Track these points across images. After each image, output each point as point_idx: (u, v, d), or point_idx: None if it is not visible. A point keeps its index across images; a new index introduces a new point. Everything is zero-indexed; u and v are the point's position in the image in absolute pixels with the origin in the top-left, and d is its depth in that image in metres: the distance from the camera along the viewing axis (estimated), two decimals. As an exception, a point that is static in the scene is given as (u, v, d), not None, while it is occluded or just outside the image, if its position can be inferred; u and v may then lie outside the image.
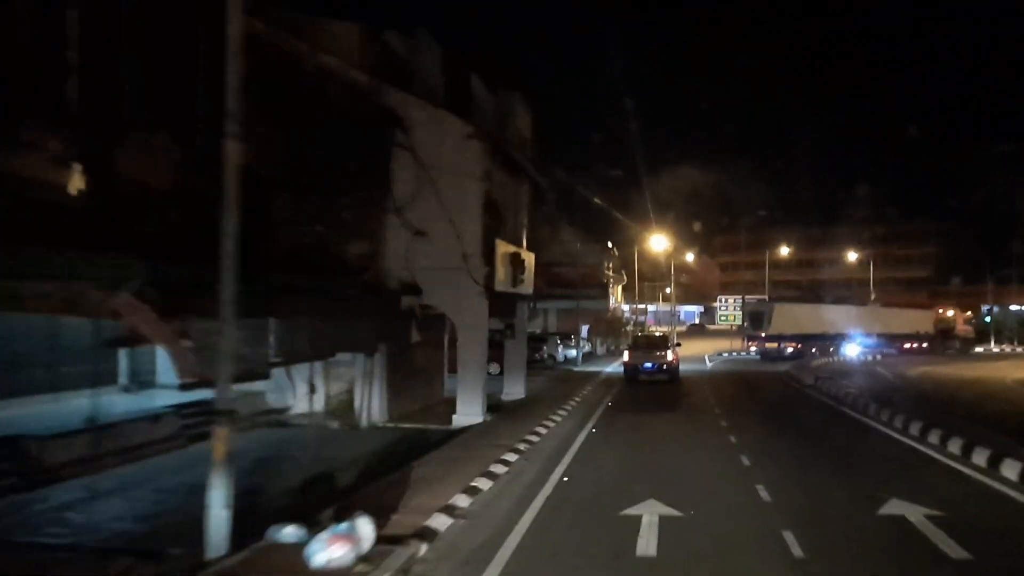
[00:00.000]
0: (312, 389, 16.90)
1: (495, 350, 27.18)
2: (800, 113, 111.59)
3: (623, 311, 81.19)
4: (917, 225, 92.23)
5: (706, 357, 47.78)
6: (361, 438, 15.77)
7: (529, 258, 20.80)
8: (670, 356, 27.06)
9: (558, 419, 18.03)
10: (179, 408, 14.37)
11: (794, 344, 43.88)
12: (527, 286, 20.17)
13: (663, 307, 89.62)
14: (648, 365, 26.95)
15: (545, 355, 35.58)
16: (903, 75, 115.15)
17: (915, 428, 16.22)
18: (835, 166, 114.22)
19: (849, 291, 73.62)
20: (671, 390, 26.50)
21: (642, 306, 77.58)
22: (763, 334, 43.83)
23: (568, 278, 48.05)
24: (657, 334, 36.21)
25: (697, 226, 75.81)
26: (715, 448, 14.99)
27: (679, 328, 79.03)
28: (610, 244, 49.50)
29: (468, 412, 16.96)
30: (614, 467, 12.98)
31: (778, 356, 42.77)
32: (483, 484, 10.98)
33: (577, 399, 22.37)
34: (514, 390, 22.15)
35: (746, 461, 13.31)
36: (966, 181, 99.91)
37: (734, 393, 26.43)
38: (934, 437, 15.09)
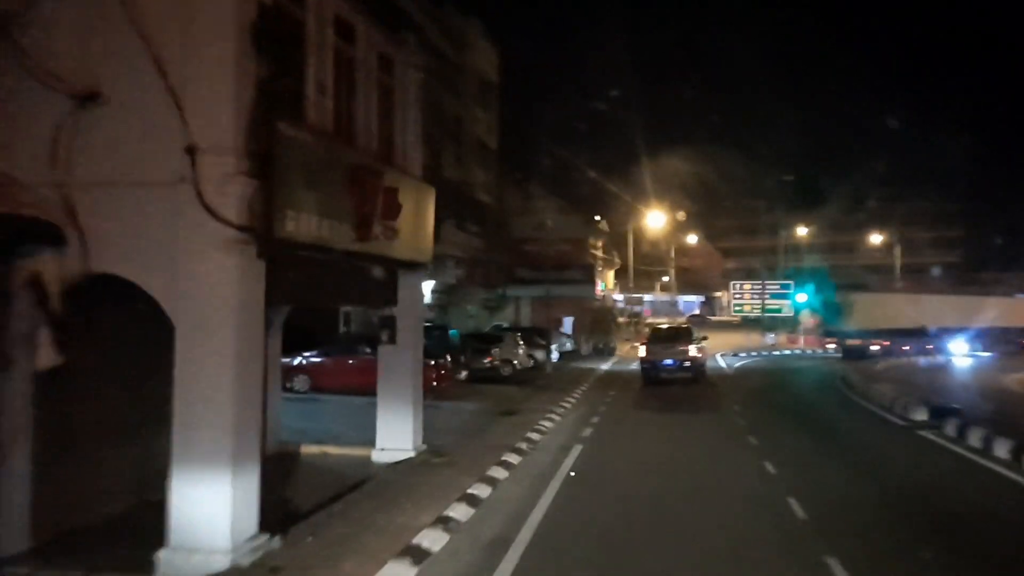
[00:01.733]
0: None
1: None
2: (816, 79, 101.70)
3: (615, 301, 71.88)
4: (944, 206, 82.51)
5: (719, 357, 38.41)
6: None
7: (419, 195, 11.23)
8: (693, 351, 23.03)
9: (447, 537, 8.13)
10: None
11: (882, 342, 34.07)
12: (410, 244, 10.65)
13: (661, 296, 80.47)
14: (668, 362, 23.12)
15: (498, 361, 25.90)
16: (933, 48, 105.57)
17: None
18: (853, 143, 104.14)
19: (876, 277, 64.16)
20: (695, 435, 16.01)
21: (637, 295, 68.16)
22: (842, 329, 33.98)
23: (544, 257, 38.53)
24: (679, 326, 29.92)
25: (696, 207, 66.48)
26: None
27: (679, 320, 69.76)
28: (599, 218, 39.99)
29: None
30: None
31: (862, 355, 32.97)
32: None
33: (517, 455, 12.43)
34: (396, 440, 12.11)
35: None
36: (993, 161, 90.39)
37: (799, 448, 14.05)
38: None
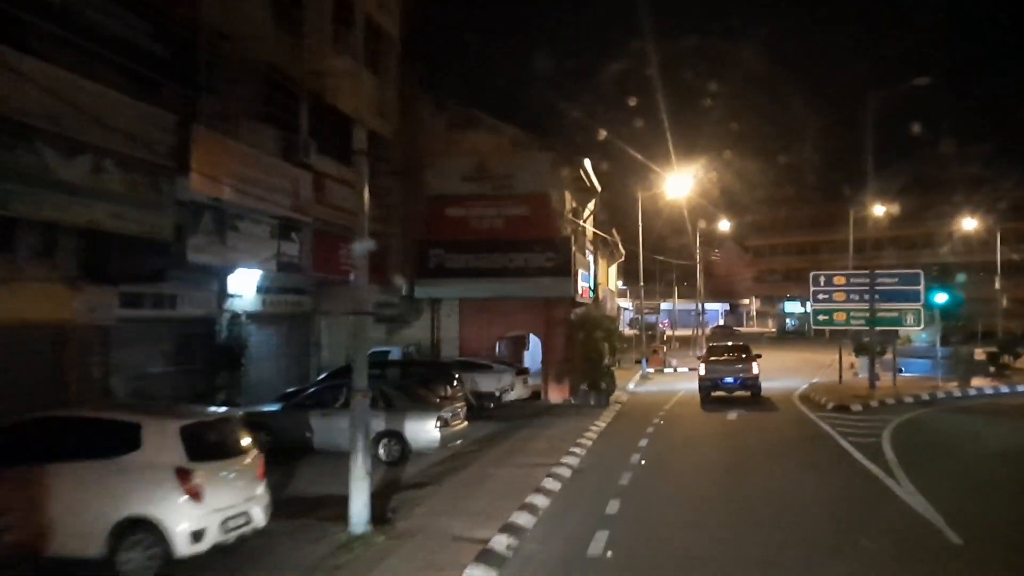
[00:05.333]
0: None
1: None
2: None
3: (621, 308, 54.55)
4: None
5: (799, 401, 21.40)
6: None
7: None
8: (755, 369, 21.13)
9: None
10: None
11: None
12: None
13: (679, 305, 63.34)
14: (729, 380, 21.29)
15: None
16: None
17: None
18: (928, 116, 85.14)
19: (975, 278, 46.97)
20: None
21: (651, 301, 51.00)
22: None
23: (485, 230, 21.77)
24: (737, 343, 25.77)
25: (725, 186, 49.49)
26: None
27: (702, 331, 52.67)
28: (588, 166, 22.88)
29: None
30: None
31: None
32: None
33: None
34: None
35: None
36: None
37: None
38: None
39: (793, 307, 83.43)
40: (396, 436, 12.51)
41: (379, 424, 12.64)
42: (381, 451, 12.55)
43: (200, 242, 13.74)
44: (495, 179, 21.84)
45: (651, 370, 34.43)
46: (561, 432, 15.52)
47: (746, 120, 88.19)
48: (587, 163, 22.98)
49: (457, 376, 16.02)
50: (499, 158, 21.91)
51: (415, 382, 14.50)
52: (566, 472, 11.66)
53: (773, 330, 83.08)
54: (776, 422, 17.96)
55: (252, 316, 18.06)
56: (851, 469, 11.90)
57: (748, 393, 21.38)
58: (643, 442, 14.68)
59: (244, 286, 17.37)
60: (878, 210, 50.39)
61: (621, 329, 55.47)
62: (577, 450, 13.50)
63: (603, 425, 17.20)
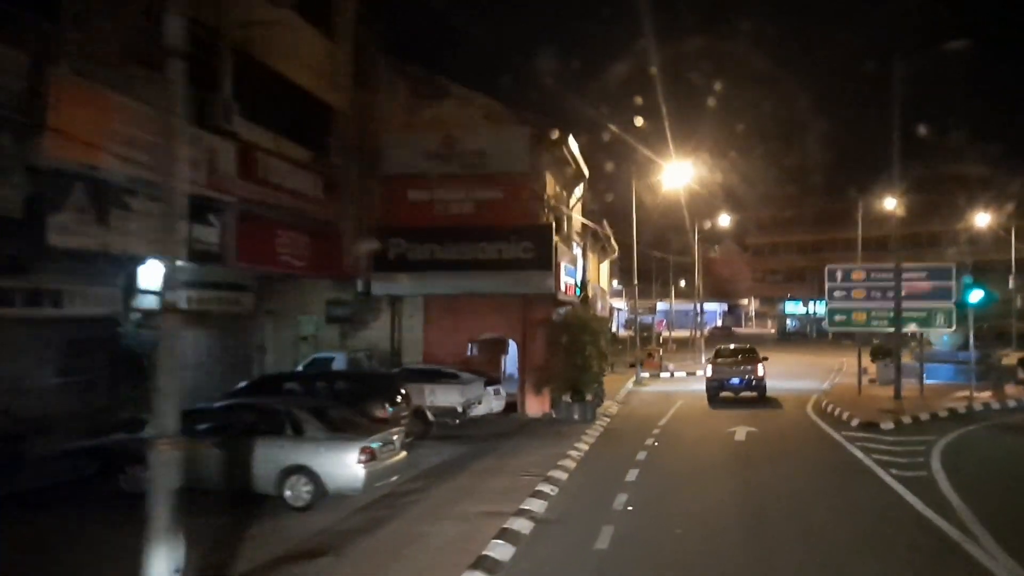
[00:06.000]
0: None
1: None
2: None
3: (615, 309, 51.54)
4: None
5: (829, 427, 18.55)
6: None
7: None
8: (760, 370, 21.84)
9: None
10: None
11: None
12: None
13: (676, 305, 60.30)
14: (735, 380, 22.01)
15: None
16: None
17: None
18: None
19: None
20: None
21: (646, 301, 48.21)
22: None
23: (452, 215, 18.90)
24: (743, 346, 25.41)
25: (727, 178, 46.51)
26: None
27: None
28: (573, 145, 19.88)
29: None
30: None
31: None
32: None
33: None
34: None
35: None
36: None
37: None
38: None
39: (794, 308, 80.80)
40: (306, 473, 9.50)
41: (284, 457, 9.64)
42: (287, 492, 9.54)
43: (67, 221, 10.72)
44: (464, 157, 18.82)
45: (646, 374, 31.45)
46: (531, 460, 12.50)
47: (746, 110, 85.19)
48: (572, 141, 19.96)
49: (403, 392, 12.94)
50: (469, 133, 18.89)
51: (344, 399, 11.49)
52: (525, 527, 8.63)
53: (773, 331, 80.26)
54: (794, 444, 14.96)
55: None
56: (913, 524, 8.87)
57: (754, 393, 21.87)
58: (632, 475, 11.68)
59: (160, 280, 14.43)
60: (890, 203, 47.61)
61: (617, 331, 52.72)
62: (547, 488, 10.49)
63: (585, 448, 14.19)
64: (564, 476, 11.50)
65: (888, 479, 11.06)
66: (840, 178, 69.10)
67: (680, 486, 11.44)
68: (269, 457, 9.68)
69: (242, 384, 13.19)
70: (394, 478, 10.27)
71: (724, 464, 13.00)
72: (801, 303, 78.19)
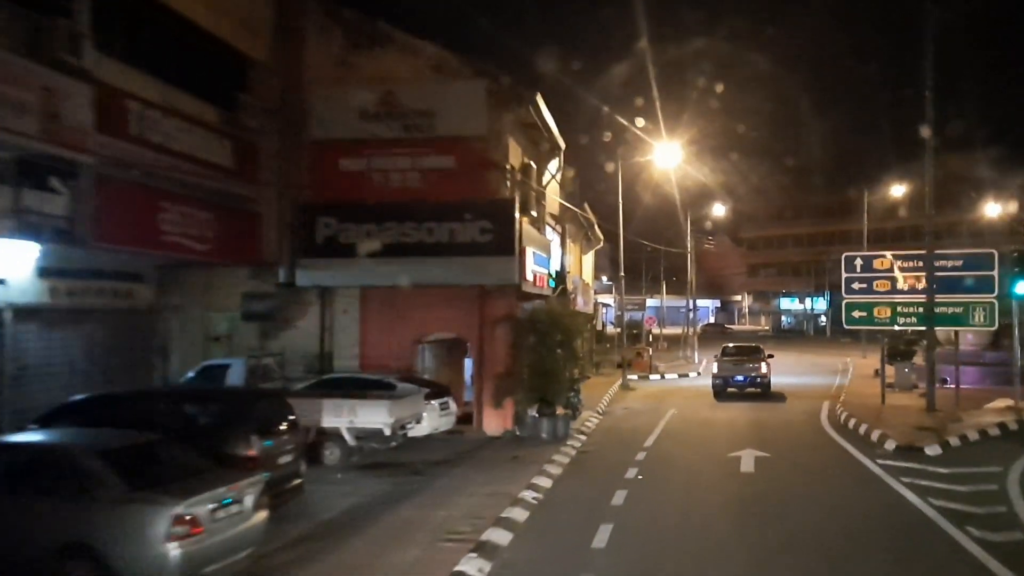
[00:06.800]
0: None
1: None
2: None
3: (602, 305, 48.08)
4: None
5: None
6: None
7: None
8: (764, 368, 22.99)
9: None
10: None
11: None
12: None
13: (667, 301, 56.95)
14: (740, 378, 22.95)
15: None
16: None
17: None
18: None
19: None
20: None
21: (634, 296, 44.84)
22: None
23: (394, 189, 15.43)
24: (748, 344, 26.44)
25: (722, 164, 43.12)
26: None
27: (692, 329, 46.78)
28: (541, 104, 16.49)
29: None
30: None
31: None
32: None
33: None
34: None
35: None
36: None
37: None
38: None
39: (789, 304, 77.80)
40: (89, 556, 6.09)
41: (60, 529, 6.23)
42: (62, 585, 6.15)
43: None
44: (408, 117, 15.36)
45: (634, 377, 28.10)
46: (466, 509, 9.09)
47: (741, 95, 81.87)
48: (540, 102, 16.50)
49: (291, 416, 9.45)
50: (415, 88, 15.44)
51: (194, 431, 8.06)
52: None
53: (767, 328, 77.16)
54: (819, 478, 11.55)
55: (27, 312, 11.73)
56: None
57: (758, 389, 22.76)
58: (602, 535, 8.27)
59: (12, 266, 11.07)
60: (897, 191, 44.35)
61: (604, 327, 49.28)
62: (472, 569, 7.11)
63: (547, 485, 10.77)
64: (505, 540, 8.07)
65: (971, 546, 7.69)
66: (840, 169, 66.13)
67: (669, 557, 8.03)
68: (40, 528, 6.27)
69: (63, 404, 9.47)
70: (243, 553, 6.84)
71: (726, 516, 9.55)
72: (797, 299, 75.19)
